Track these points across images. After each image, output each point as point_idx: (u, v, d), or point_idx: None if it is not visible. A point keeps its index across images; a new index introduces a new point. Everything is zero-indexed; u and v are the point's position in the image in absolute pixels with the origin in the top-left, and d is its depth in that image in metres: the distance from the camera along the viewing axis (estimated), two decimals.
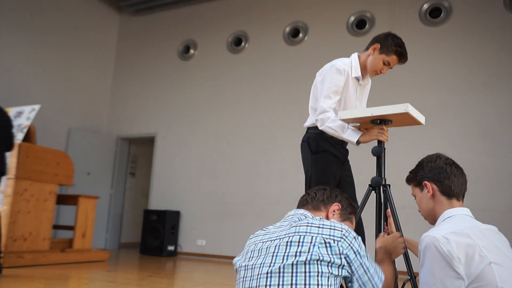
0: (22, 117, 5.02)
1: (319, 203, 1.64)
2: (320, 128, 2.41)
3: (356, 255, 1.34)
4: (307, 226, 1.37)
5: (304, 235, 1.33)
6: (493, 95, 5.22)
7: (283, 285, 1.26)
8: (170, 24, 7.72)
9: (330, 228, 1.35)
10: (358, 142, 2.27)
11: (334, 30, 6.27)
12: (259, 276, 1.31)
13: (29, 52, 6.64)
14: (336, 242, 1.31)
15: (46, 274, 4.02)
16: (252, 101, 6.68)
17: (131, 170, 8.17)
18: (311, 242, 1.30)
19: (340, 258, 1.30)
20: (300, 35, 6.53)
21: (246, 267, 1.39)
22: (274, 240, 1.40)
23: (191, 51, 7.41)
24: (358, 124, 2.33)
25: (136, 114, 7.68)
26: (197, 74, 7.27)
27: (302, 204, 1.70)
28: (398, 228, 1.93)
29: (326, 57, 6.12)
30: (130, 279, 3.96)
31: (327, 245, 1.30)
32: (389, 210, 1.99)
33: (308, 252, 1.28)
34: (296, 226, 1.39)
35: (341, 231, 1.34)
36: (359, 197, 2.32)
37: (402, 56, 2.40)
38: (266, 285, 1.28)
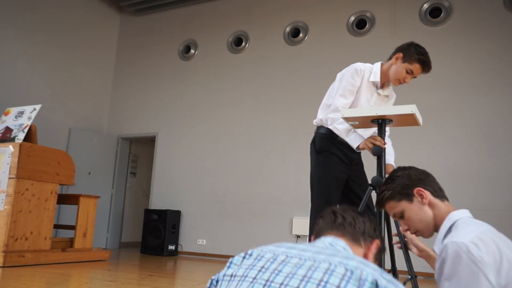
0: (23, 117, 5.03)
1: (359, 235, 1.31)
2: (328, 126, 2.45)
3: None
4: (360, 263, 1.01)
5: (352, 271, 0.98)
6: (493, 95, 5.22)
7: None
8: (170, 24, 7.73)
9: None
10: (358, 148, 2.31)
11: (334, 30, 6.28)
12: None
13: (30, 52, 6.66)
14: None
15: (47, 273, 4.03)
16: (252, 101, 6.69)
17: (132, 169, 8.19)
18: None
19: None
20: (301, 35, 6.54)
21: (255, 279, 1.03)
22: (306, 260, 1.06)
23: (192, 51, 7.42)
24: (357, 123, 2.33)
25: (136, 114, 7.69)
26: (198, 74, 7.28)
27: (337, 227, 1.31)
28: (397, 228, 1.94)
29: (326, 57, 6.18)
30: (131, 279, 3.97)
31: None
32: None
33: None
34: (343, 257, 1.04)
35: None
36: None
37: (425, 65, 2.37)
38: None
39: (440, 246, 1.34)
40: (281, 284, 0.98)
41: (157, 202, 7.11)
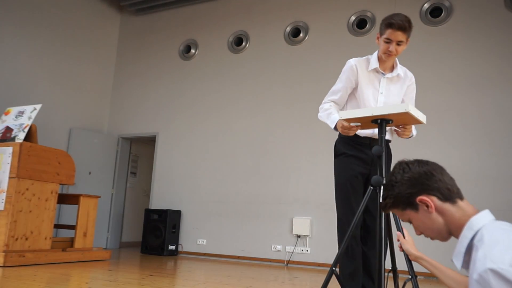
0: (24, 117, 5.03)
1: None
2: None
3: None
4: None
5: None
6: (494, 94, 5.22)
7: None
8: (171, 24, 7.73)
9: None
10: (335, 128, 2.42)
11: (334, 29, 6.27)
12: None
13: (30, 52, 6.66)
14: None
15: (47, 273, 4.03)
16: (253, 101, 6.69)
17: (132, 169, 8.19)
18: None
19: None
20: (301, 34, 6.54)
21: None
22: None
23: (192, 50, 7.42)
24: (359, 124, 2.32)
25: (137, 114, 7.69)
26: (198, 73, 7.28)
27: None
28: (399, 228, 1.93)
29: (326, 56, 6.17)
30: (131, 278, 3.97)
31: None
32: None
33: None
34: None
35: None
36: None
37: (393, 25, 2.36)
38: None
39: (461, 259, 1.25)
40: None
41: (158, 202, 7.11)
